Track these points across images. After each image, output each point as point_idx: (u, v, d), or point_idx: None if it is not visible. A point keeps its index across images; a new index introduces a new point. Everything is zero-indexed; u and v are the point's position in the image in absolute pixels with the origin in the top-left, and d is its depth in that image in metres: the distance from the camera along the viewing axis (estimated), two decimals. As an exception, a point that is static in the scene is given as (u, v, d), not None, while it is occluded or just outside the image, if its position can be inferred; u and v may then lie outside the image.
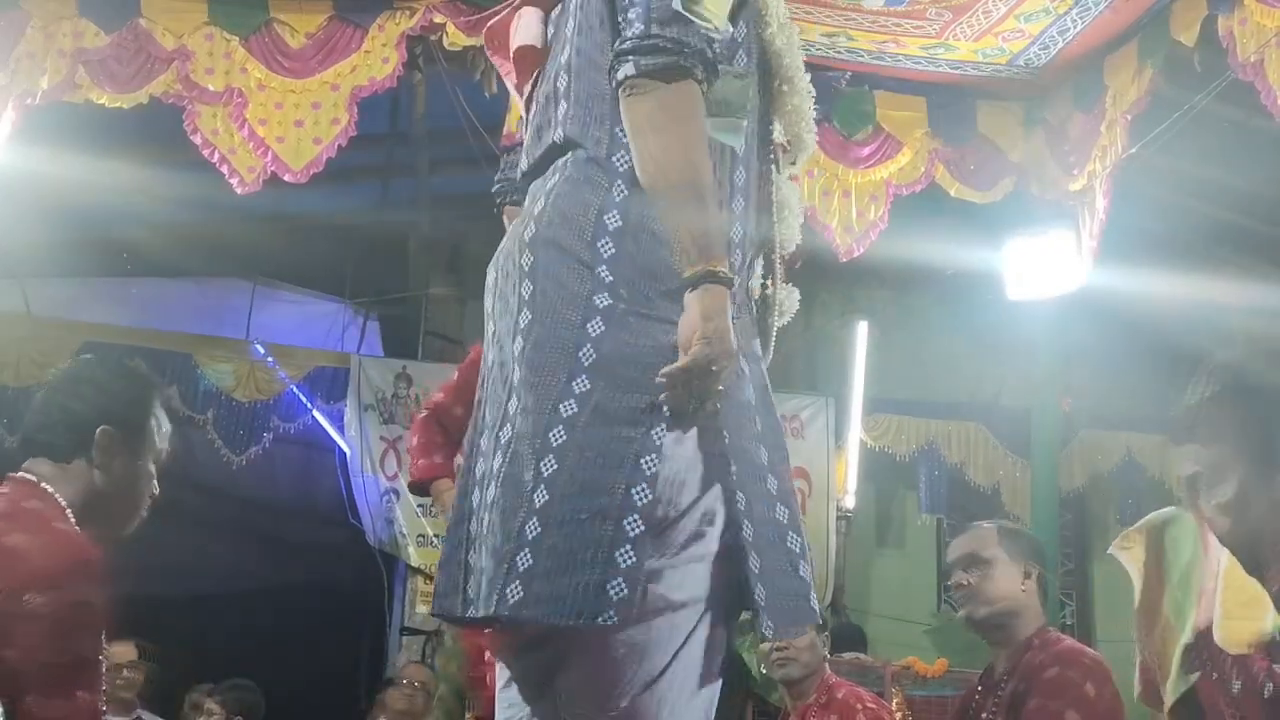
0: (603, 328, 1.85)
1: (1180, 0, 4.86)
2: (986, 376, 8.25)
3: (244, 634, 7.10)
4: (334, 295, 7.80)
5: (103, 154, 5.57)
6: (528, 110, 2.10)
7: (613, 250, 1.89)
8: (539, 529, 1.77)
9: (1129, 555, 2.98)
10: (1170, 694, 2.69)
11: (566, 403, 1.82)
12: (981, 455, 8.13)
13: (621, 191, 1.92)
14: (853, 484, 7.98)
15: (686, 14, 1.89)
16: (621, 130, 1.92)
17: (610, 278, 1.88)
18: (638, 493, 1.77)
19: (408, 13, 5.07)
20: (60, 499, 2.41)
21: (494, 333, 1.97)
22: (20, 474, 2.44)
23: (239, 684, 5.70)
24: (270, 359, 7.22)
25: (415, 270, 7.66)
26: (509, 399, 1.89)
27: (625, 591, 1.72)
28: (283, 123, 5.00)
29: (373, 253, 7.75)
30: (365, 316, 7.84)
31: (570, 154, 1.96)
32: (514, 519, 1.79)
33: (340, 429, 7.40)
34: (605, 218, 1.90)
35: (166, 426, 2.61)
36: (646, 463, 1.79)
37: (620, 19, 1.92)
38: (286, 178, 5.02)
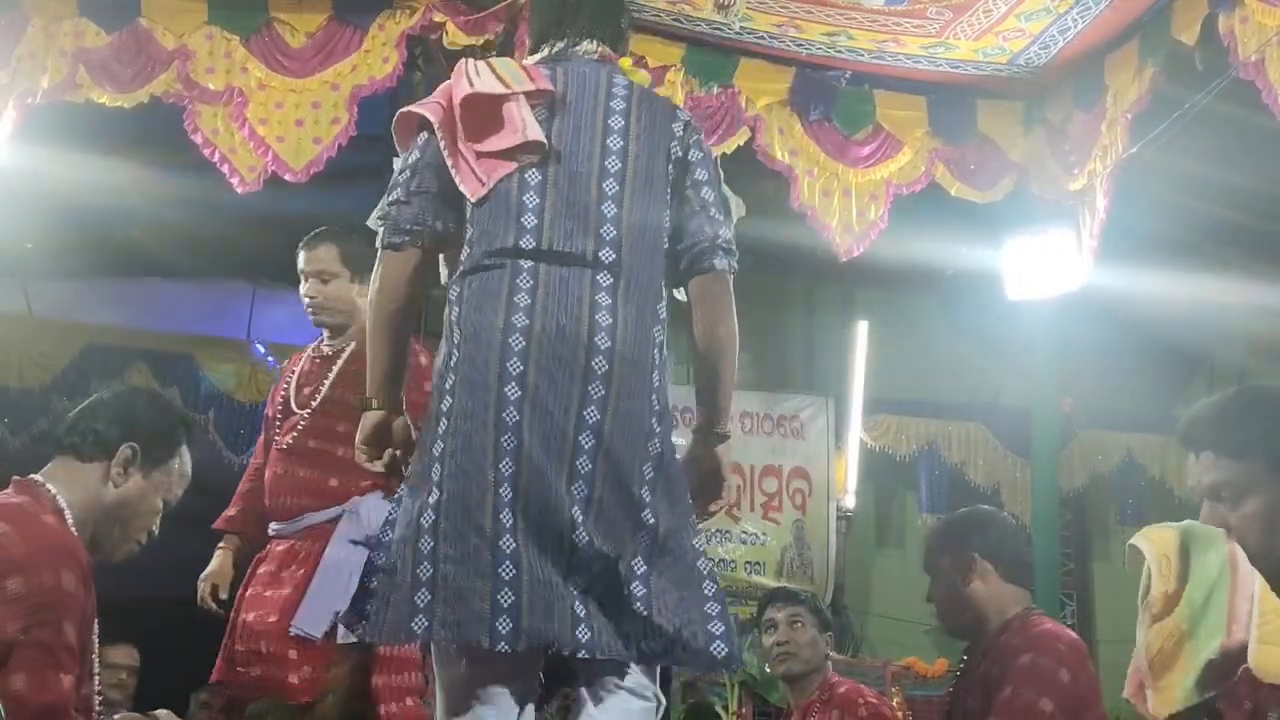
0: (659, 448, 2.37)
1: (1180, -1, 4.87)
2: (987, 376, 8.25)
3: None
4: (334, 295, 7.78)
5: (104, 154, 5.58)
6: (513, 183, 2.43)
7: (659, 383, 2.41)
8: (716, 599, 2.36)
9: (1150, 543, 2.90)
10: (1176, 702, 2.65)
11: (644, 513, 2.32)
12: (982, 455, 8.14)
13: (660, 334, 2.44)
14: (853, 484, 7.99)
15: None
16: (664, 282, 2.49)
17: (658, 406, 2.40)
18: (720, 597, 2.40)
19: (408, 12, 5.07)
20: (61, 500, 2.43)
21: (521, 397, 2.30)
22: (29, 476, 2.48)
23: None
24: (271, 359, 7.22)
25: (415, 270, 7.66)
26: (579, 480, 2.31)
27: None
28: (283, 122, 5.00)
29: (373, 253, 7.74)
30: (366, 317, 7.83)
31: (619, 279, 2.40)
32: (699, 587, 2.34)
33: (341, 429, 7.39)
34: (654, 352, 2.42)
35: (187, 471, 2.67)
36: (711, 578, 2.38)
37: (700, 204, 2.53)
38: (287, 177, 5.03)
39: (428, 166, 2.49)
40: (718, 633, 2.30)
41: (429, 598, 2.25)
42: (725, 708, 6.38)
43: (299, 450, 3.54)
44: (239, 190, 5.00)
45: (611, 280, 2.39)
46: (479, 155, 2.45)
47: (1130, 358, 7.91)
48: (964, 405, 8.28)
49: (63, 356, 6.92)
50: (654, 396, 2.39)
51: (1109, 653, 8.20)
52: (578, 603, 2.24)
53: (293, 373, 3.75)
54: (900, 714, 5.71)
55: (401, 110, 2.59)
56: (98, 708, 2.52)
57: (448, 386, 2.36)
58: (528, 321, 2.33)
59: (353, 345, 3.66)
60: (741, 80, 5.53)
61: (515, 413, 2.28)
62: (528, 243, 2.39)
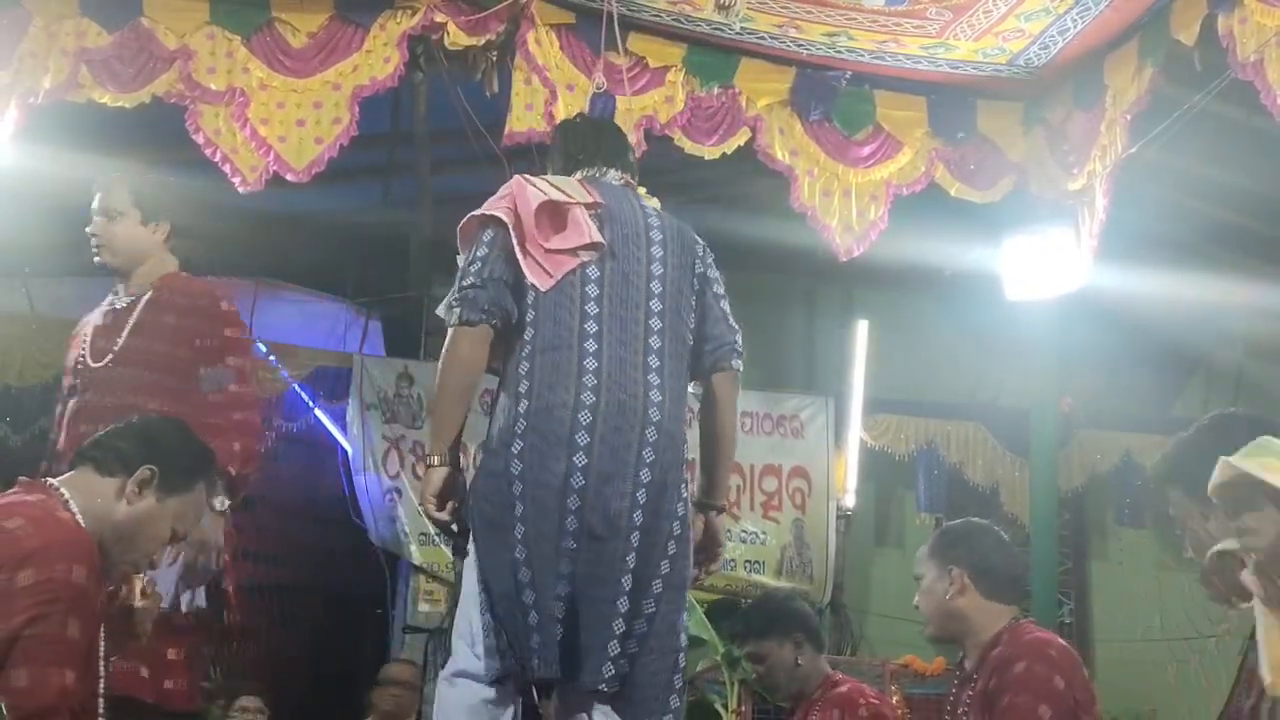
0: (683, 511, 2.90)
1: (1180, -1, 4.87)
2: (986, 376, 8.26)
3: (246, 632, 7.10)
4: (336, 295, 7.81)
5: (105, 153, 5.57)
6: (576, 277, 2.91)
7: (685, 455, 2.94)
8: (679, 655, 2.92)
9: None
10: None
11: (663, 562, 2.83)
12: (980, 455, 8.15)
13: (687, 414, 2.98)
14: (852, 483, 7.99)
15: None
16: (688, 371, 3.03)
17: (685, 474, 2.93)
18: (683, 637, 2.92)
19: (409, 12, 5.06)
20: (73, 504, 2.45)
21: (587, 465, 2.79)
22: (42, 480, 2.50)
23: (253, 683, 5.73)
24: (273, 358, 7.23)
25: (416, 270, 7.67)
26: (635, 531, 2.82)
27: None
28: (284, 122, 5.00)
29: (374, 252, 7.76)
30: (367, 316, 7.84)
31: (665, 363, 2.91)
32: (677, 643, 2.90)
33: (343, 428, 7.42)
34: (684, 427, 2.95)
35: (204, 520, 2.71)
36: (684, 632, 2.91)
37: (721, 313, 3.07)
38: (289, 177, 5.02)
39: (498, 257, 2.91)
40: (676, 685, 2.83)
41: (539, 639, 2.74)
42: (725, 706, 6.38)
43: (101, 407, 3.50)
44: (240, 190, 5.00)
45: (659, 363, 2.90)
46: (547, 251, 2.89)
47: (1129, 358, 7.93)
48: (963, 405, 8.28)
49: (64, 354, 6.91)
50: (684, 466, 2.91)
51: (1106, 652, 8.24)
52: (615, 644, 2.74)
53: (85, 336, 3.75)
54: (900, 713, 5.71)
55: (471, 214, 3.00)
56: (101, 711, 2.53)
57: (515, 450, 2.80)
58: (595, 399, 2.80)
59: (148, 294, 3.67)
60: (742, 80, 5.53)
61: (581, 478, 2.76)
62: (591, 327, 2.87)
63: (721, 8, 5.17)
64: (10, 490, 2.48)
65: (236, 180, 4.99)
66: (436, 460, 2.89)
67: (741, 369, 3.08)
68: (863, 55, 5.55)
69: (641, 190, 3.24)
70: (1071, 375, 7.27)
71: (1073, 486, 8.00)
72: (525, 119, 5.20)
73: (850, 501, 8.01)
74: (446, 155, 6.57)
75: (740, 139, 5.56)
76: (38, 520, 2.31)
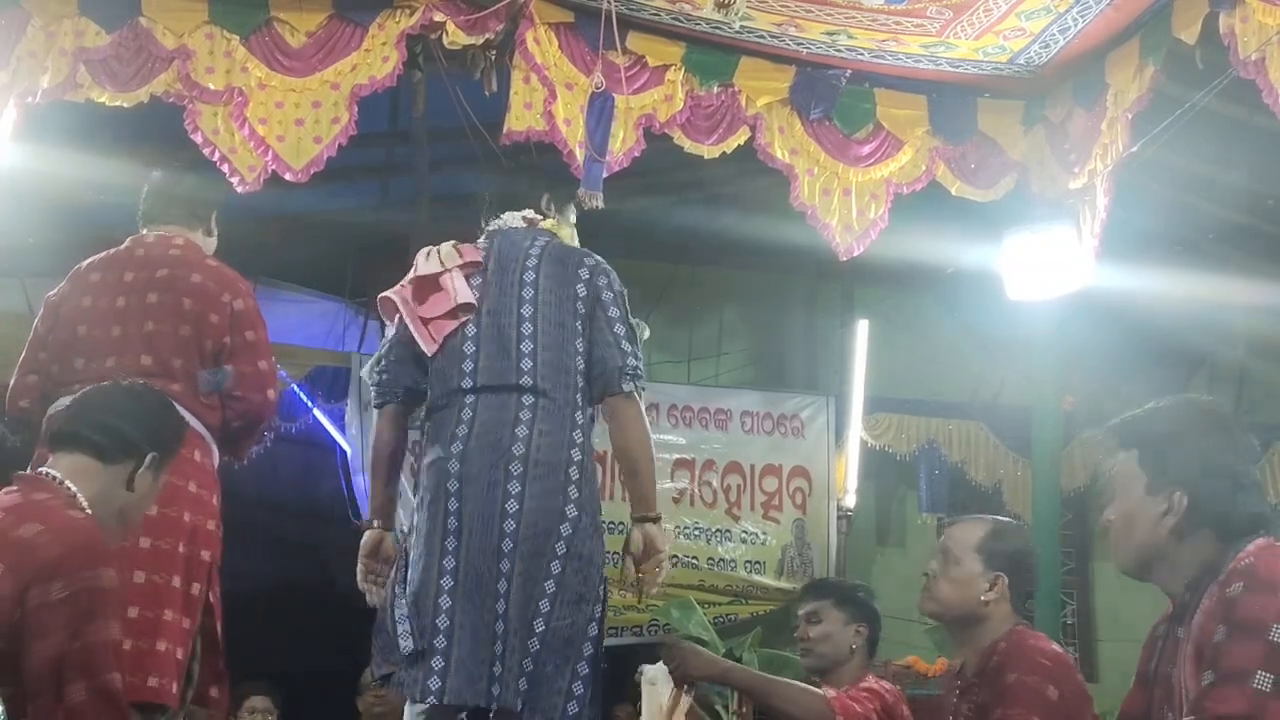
0: (570, 531, 3.01)
1: (1181, -3, 4.86)
2: (987, 375, 8.25)
3: (245, 632, 7.08)
4: (334, 294, 7.79)
5: (104, 153, 5.57)
6: (458, 337, 3.14)
7: (577, 476, 3.05)
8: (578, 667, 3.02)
9: None
10: None
11: (548, 581, 2.97)
12: (982, 454, 8.14)
13: (580, 438, 3.09)
14: (853, 483, 7.97)
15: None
16: (581, 398, 3.12)
17: (576, 494, 3.03)
18: (590, 661, 3.01)
19: (407, 11, 5.06)
20: (81, 498, 2.44)
21: (459, 508, 3.00)
22: (35, 471, 2.48)
23: (262, 683, 5.72)
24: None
25: (416, 269, 7.65)
26: (504, 559, 2.99)
27: None
28: (283, 121, 4.99)
29: (373, 252, 7.74)
30: (365, 316, 7.83)
31: (539, 399, 3.05)
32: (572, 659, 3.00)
33: (341, 428, 7.41)
34: (572, 452, 3.06)
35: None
36: (591, 642, 3.02)
37: (611, 337, 3.14)
38: (287, 176, 5.02)
39: (398, 342, 3.24)
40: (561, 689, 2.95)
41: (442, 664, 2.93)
42: (725, 707, 6.37)
43: None
44: (239, 190, 4.99)
45: (533, 400, 3.05)
46: (426, 320, 3.16)
47: (1131, 357, 7.91)
48: (964, 404, 8.28)
49: (63, 354, 6.90)
50: (571, 488, 3.03)
51: (1109, 652, 8.23)
52: (496, 664, 2.90)
53: None
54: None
55: (381, 295, 3.31)
56: None
57: (416, 502, 3.14)
58: (463, 447, 3.03)
59: None
60: (742, 79, 5.52)
61: (455, 520, 2.99)
62: (467, 383, 3.09)
63: (721, 6, 5.16)
64: (11, 488, 2.46)
65: (235, 180, 4.97)
66: (377, 524, 3.31)
67: (637, 390, 3.15)
68: (863, 54, 5.53)
69: (549, 222, 3.35)
70: (1073, 374, 7.26)
71: (1075, 486, 7.97)
72: (524, 118, 5.19)
73: (851, 501, 8.00)
74: (445, 154, 6.56)
75: (740, 138, 5.55)
76: (53, 526, 2.30)
